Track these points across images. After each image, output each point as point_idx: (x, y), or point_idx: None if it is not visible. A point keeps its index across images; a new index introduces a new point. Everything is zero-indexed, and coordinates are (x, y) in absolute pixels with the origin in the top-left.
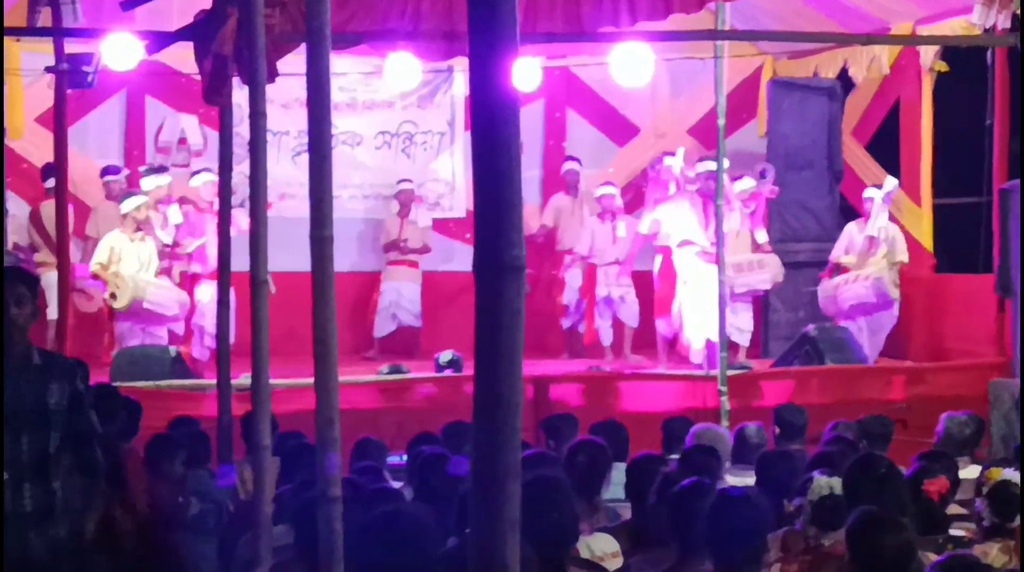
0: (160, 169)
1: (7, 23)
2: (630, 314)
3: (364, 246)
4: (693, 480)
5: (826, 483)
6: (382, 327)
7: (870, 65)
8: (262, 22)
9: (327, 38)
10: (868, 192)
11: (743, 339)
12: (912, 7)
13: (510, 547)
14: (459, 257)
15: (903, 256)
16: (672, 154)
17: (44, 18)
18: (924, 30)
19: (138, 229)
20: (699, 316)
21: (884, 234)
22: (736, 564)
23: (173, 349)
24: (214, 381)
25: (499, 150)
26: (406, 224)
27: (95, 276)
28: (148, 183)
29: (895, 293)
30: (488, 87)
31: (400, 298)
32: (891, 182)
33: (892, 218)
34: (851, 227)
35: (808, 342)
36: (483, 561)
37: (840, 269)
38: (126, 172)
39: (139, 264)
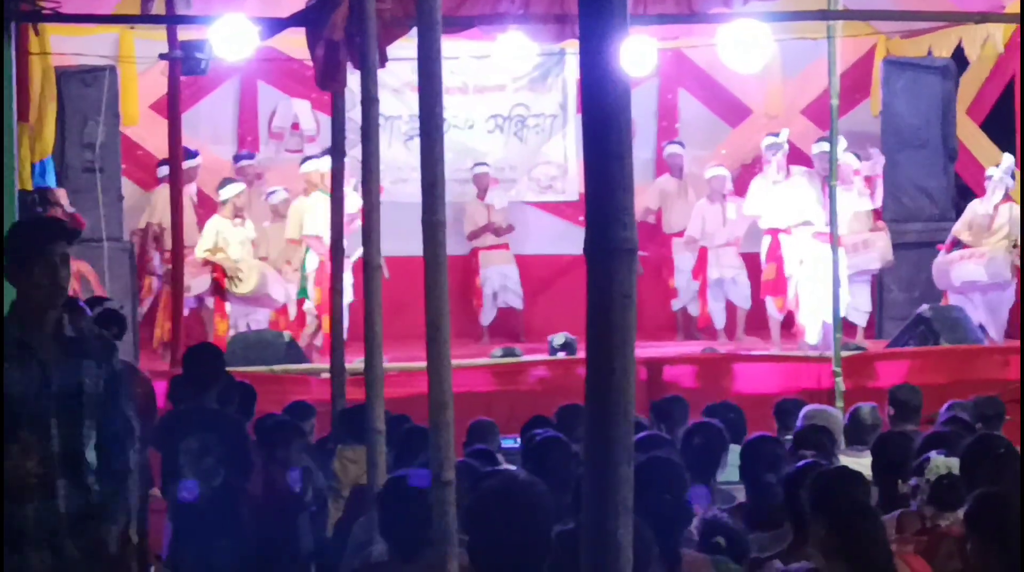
0: (321, 154)
1: (122, 10)
2: (742, 296)
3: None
4: (808, 461)
5: (943, 463)
6: (490, 314)
7: (984, 43)
8: (373, 7)
9: (438, 23)
10: (989, 171)
11: (860, 319)
12: None
13: (623, 530)
14: (573, 239)
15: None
16: (776, 134)
17: (158, 6)
18: None
19: (237, 215)
20: (815, 298)
21: (1005, 213)
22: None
23: (287, 334)
24: (327, 365)
25: (610, 133)
26: (491, 207)
27: (205, 262)
28: (308, 167)
29: (1008, 274)
30: (599, 70)
31: (507, 281)
32: (1008, 159)
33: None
34: (973, 204)
35: (923, 322)
36: (597, 543)
37: (960, 245)
38: (260, 156)
39: (243, 249)
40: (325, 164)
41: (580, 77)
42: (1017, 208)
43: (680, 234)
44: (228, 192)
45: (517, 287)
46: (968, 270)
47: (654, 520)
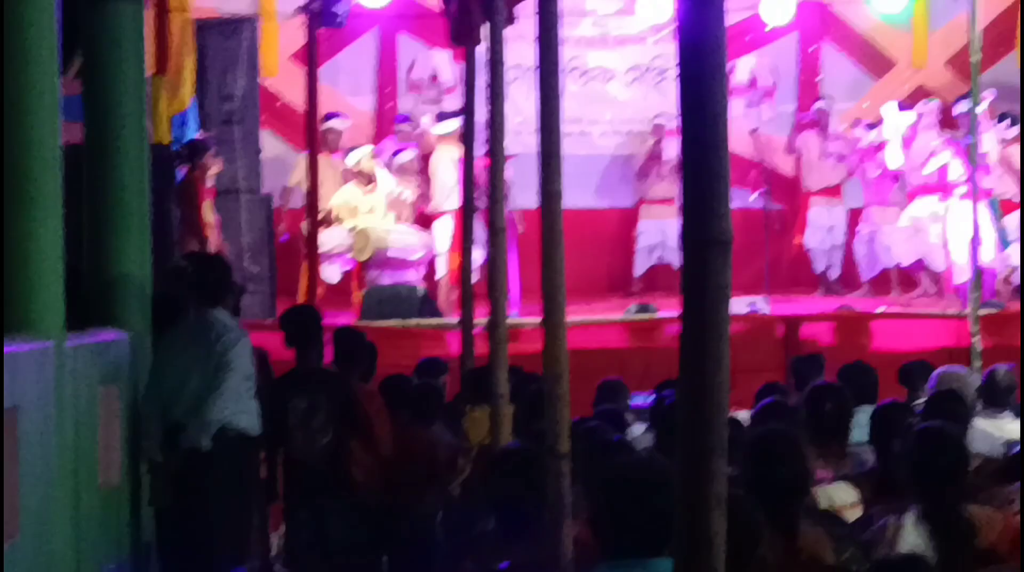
0: (455, 114)
1: None
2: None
3: (617, 183)
4: (929, 425)
5: None
6: (642, 266)
7: None
8: None
9: None
10: None
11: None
12: None
13: (716, 522)
14: None
15: None
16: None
17: None
18: None
19: (369, 181)
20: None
21: None
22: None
23: (422, 289)
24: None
25: (705, 121)
26: (664, 160)
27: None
28: (442, 128)
29: None
30: (694, 55)
31: (666, 238)
32: None
33: None
34: None
35: None
36: (689, 537)
37: None
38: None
39: (372, 216)
40: (448, 128)
41: (678, 61)
42: None
43: (818, 193)
44: (352, 159)
45: (676, 244)
46: None
47: (770, 492)
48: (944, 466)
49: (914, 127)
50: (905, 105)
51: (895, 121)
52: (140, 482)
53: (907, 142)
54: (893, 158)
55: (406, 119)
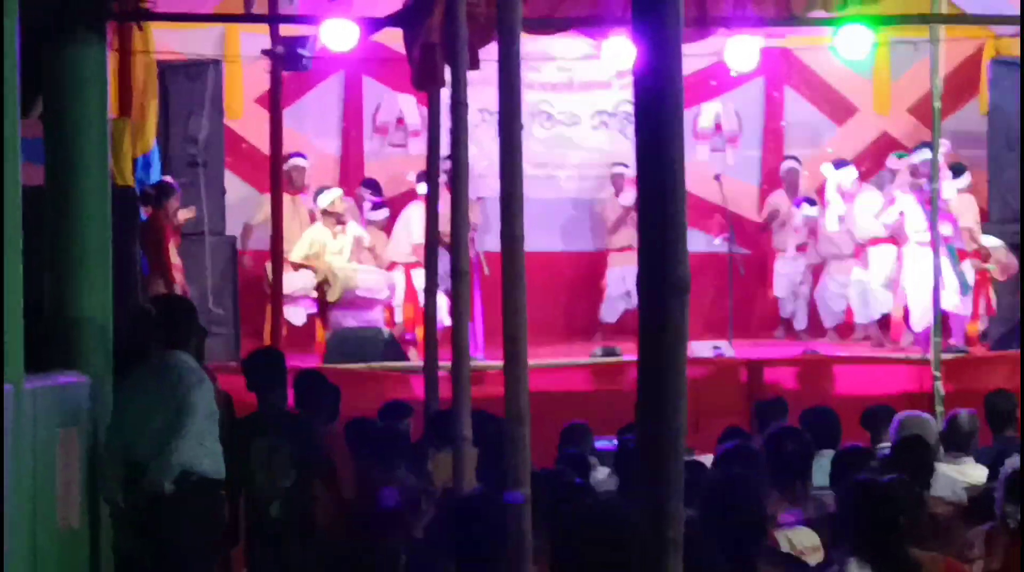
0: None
1: (225, 9)
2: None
3: (582, 226)
4: (862, 478)
5: (1012, 461)
6: (612, 312)
7: None
8: (464, 12)
9: (517, 34)
10: None
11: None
12: None
13: (673, 566)
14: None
15: None
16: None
17: (260, 5)
18: None
19: (338, 222)
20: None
21: None
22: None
23: (387, 331)
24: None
25: (663, 167)
26: (627, 208)
27: (297, 267)
28: (422, 189)
29: None
30: (652, 103)
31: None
32: None
33: None
34: None
35: None
36: None
37: None
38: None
39: (340, 257)
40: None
41: (635, 106)
42: None
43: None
44: (324, 200)
45: None
46: None
47: (728, 534)
48: (882, 517)
49: (858, 182)
50: (841, 160)
51: (835, 179)
52: (100, 524)
53: (851, 196)
54: (831, 221)
55: (374, 185)
